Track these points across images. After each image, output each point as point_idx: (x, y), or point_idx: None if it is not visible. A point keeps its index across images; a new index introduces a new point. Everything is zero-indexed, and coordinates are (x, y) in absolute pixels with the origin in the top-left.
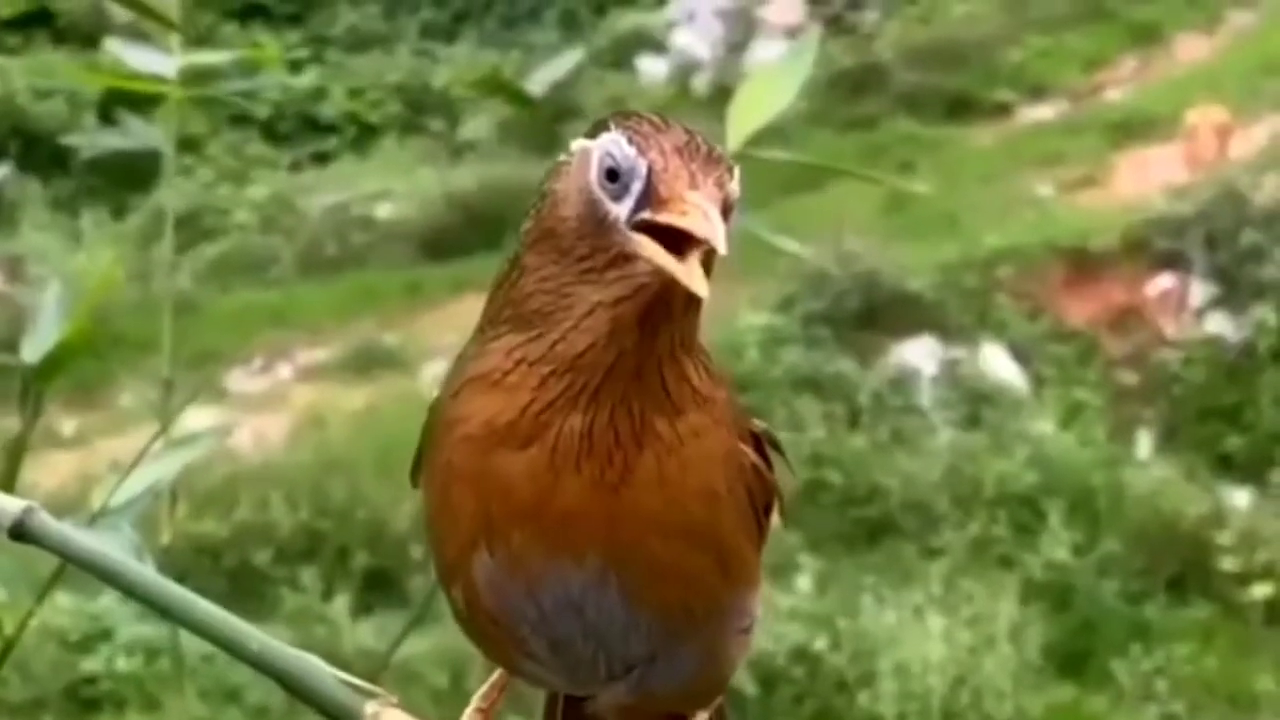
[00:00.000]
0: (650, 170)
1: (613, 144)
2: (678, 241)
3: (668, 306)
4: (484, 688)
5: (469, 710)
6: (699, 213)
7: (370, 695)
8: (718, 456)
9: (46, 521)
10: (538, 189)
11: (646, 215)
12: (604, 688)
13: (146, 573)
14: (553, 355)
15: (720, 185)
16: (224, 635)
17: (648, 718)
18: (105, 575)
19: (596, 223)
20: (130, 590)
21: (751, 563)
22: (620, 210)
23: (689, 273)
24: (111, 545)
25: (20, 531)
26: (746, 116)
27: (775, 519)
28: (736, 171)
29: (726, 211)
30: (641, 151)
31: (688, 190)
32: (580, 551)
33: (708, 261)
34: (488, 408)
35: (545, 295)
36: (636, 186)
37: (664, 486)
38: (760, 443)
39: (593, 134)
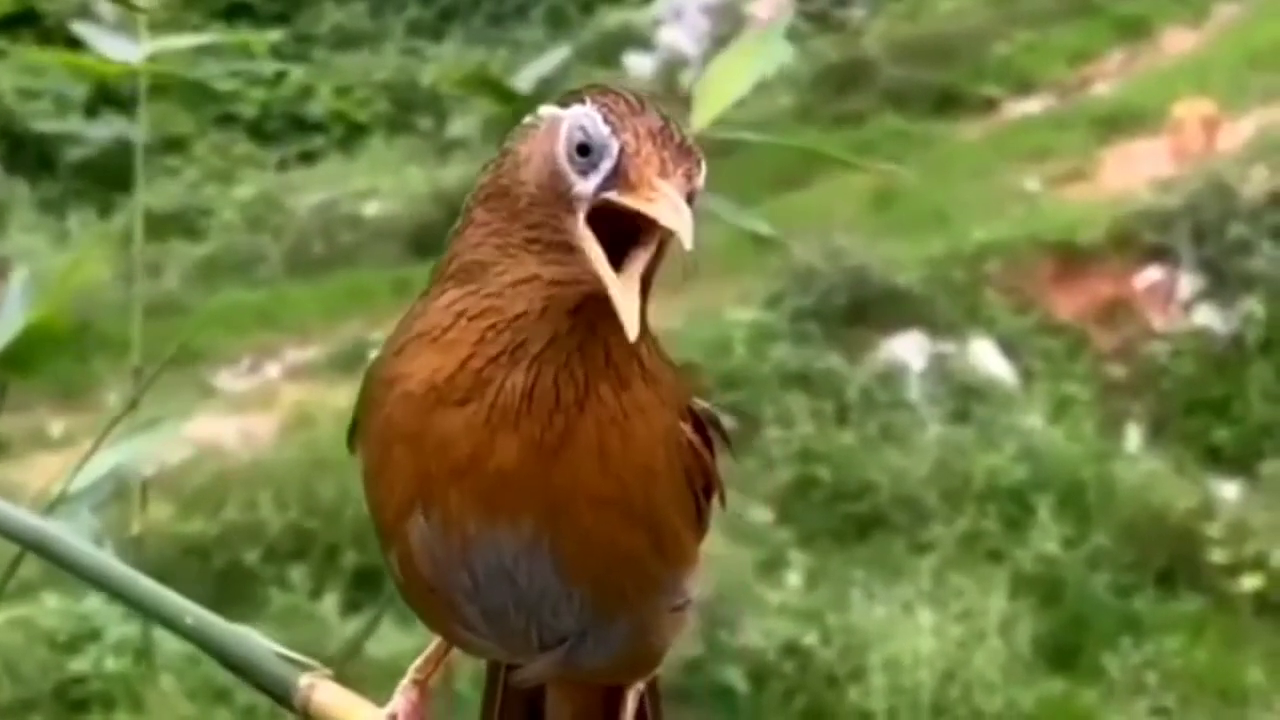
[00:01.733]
0: (622, 151)
1: (586, 118)
2: (634, 229)
3: (600, 308)
4: (420, 658)
5: (405, 680)
6: (668, 203)
7: (307, 669)
8: (659, 434)
9: None
10: (499, 146)
11: (613, 196)
12: (535, 658)
13: (86, 548)
14: (492, 310)
15: (689, 177)
16: (159, 609)
17: (586, 688)
18: (48, 554)
19: (557, 195)
20: (67, 565)
21: (687, 543)
22: (586, 187)
23: (624, 292)
24: (60, 526)
25: None
26: (715, 95)
27: (716, 503)
28: (703, 165)
29: (690, 203)
30: (615, 131)
31: (658, 177)
32: (514, 514)
33: (649, 274)
34: (428, 364)
35: (489, 249)
36: (606, 165)
37: (603, 457)
38: (701, 423)
39: (565, 104)
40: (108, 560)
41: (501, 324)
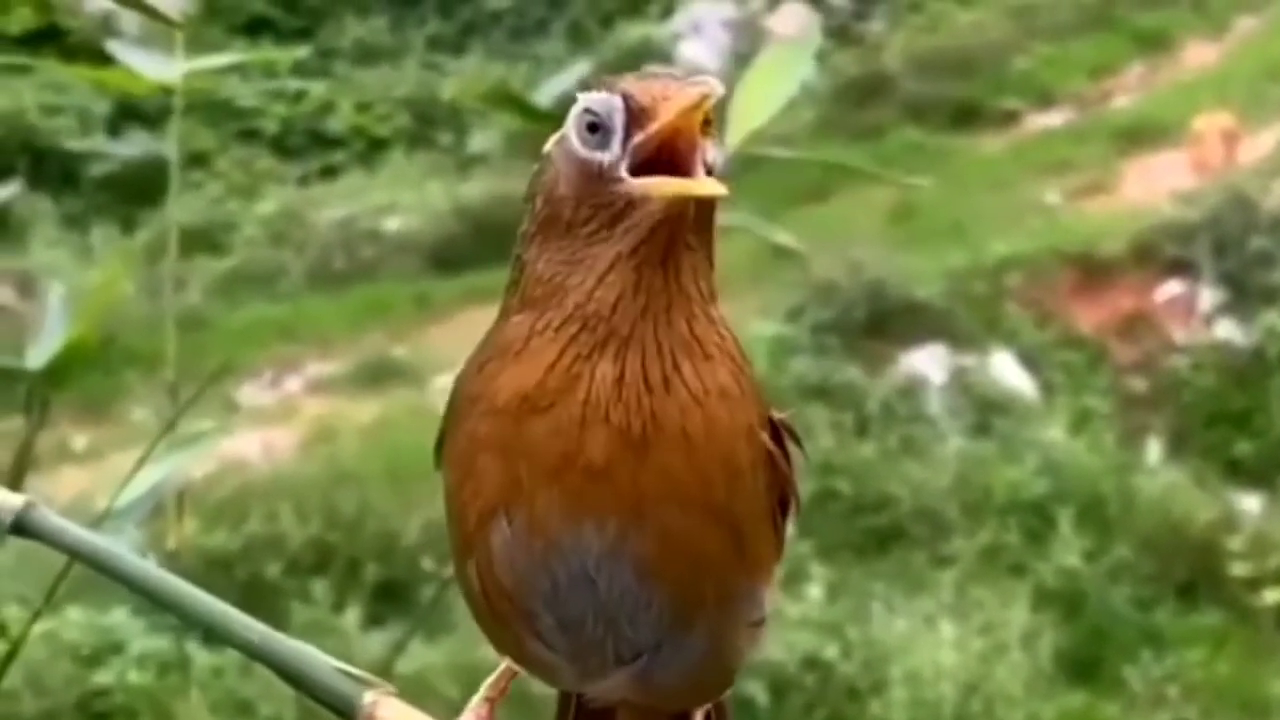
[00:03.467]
0: (625, 99)
1: (583, 102)
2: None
3: (684, 232)
4: (491, 677)
5: (476, 699)
6: (682, 98)
7: (369, 685)
8: (740, 426)
9: (46, 516)
10: (526, 195)
11: (637, 139)
12: (608, 676)
13: (144, 565)
14: (578, 315)
15: (701, 93)
16: (223, 627)
17: (654, 714)
18: (104, 568)
19: (592, 181)
20: (129, 582)
21: (767, 551)
22: (610, 155)
23: (697, 183)
24: (112, 540)
25: (20, 526)
26: (747, 112)
27: (791, 526)
28: (718, 91)
29: (708, 126)
30: (612, 90)
31: (664, 96)
32: (600, 513)
33: (708, 220)
34: (515, 376)
35: (556, 270)
36: (618, 121)
37: (688, 444)
38: (780, 434)
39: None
40: (168, 577)
41: (592, 322)
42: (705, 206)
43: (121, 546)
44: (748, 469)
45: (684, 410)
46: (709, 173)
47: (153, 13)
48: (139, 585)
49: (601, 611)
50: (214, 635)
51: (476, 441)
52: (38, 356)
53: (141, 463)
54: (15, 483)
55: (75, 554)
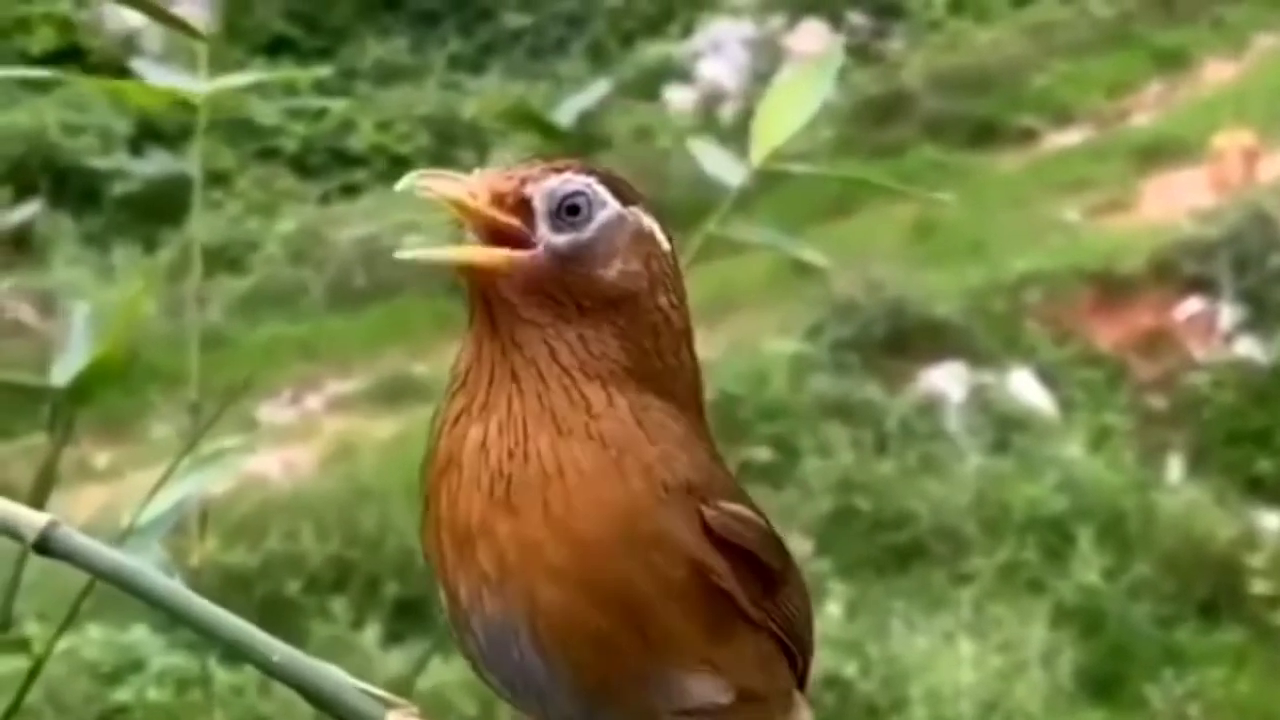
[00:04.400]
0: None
1: None
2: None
3: (500, 302)
4: None
5: None
6: (445, 189)
7: (391, 706)
8: (613, 501)
9: (71, 535)
10: None
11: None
12: None
13: (170, 584)
14: (459, 377)
15: (514, 176)
16: (247, 646)
17: None
18: (130, 588)
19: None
20: (156, 602)
21: (684, 639)
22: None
23: (463, 251)
24: (137, 559)
25: (45, 546)
26: (771, 130)
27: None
28: (567, 175)
29: (523, 205)
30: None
31: (477, 181)
32: (488, 579)
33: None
34: (437, 437)
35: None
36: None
37: (548, 515)
38: (739, 524)
39: None
40: (191, 596)
41: (467, 384)
42: (539, 282)
43: (146, 565)
44: (639, 548)
45: (544, 481)
46: (522, 206)
47: (178, 24)
48: (164, 605)
49: (524, 678)
50: (238, 655)
51: (421, 484)
52: (62, 375)
53: (164, 480)
54: (38, 501)
55: (100, 574)
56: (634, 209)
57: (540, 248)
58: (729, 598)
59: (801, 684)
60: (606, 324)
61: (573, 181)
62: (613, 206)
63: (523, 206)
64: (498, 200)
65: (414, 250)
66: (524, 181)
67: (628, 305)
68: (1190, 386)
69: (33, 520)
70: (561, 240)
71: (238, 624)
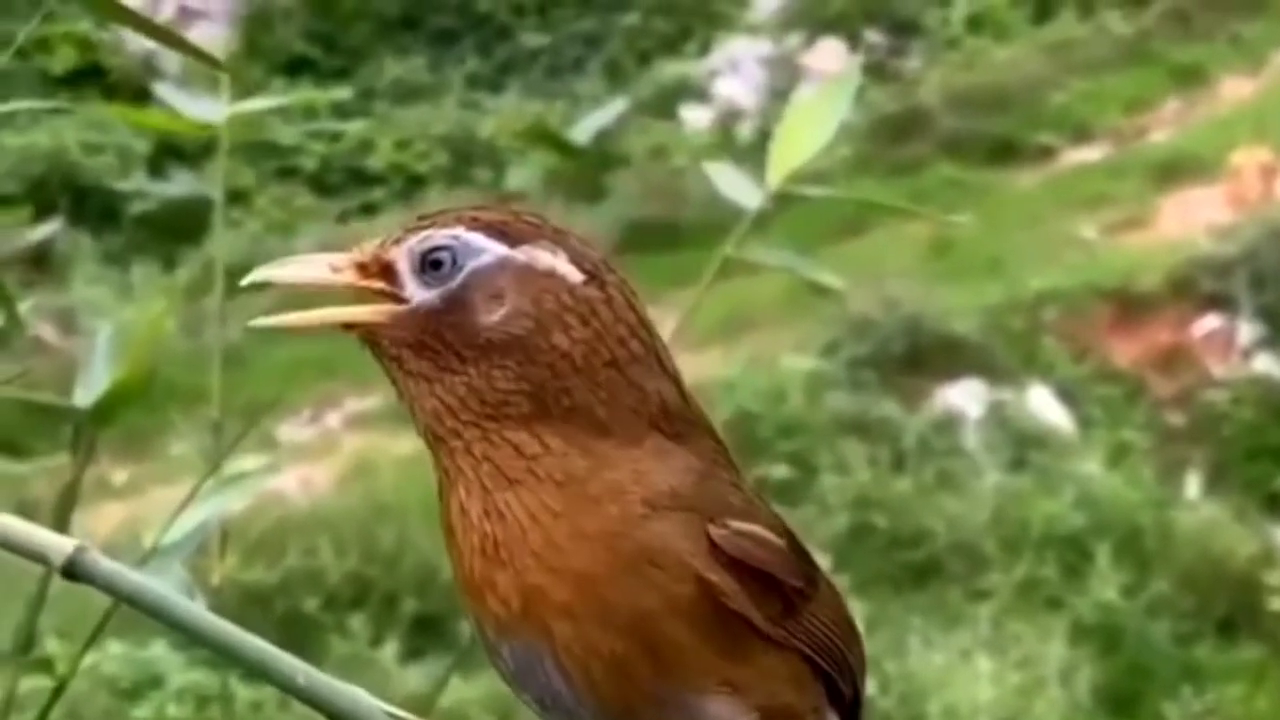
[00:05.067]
0: None
1: None
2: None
3: (379, 351)
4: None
5: None
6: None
7: None
8: (600, 526)
9: (98, 560)
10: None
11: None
12: None
13: (197, 610)
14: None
15: (379, 242)
16: (272, 669)
17: None
18: (157, 613)
19: None
20: (181, 627)
21: (698, 658)
22: None
23: (326, 313)
24: (163, 584)
25: (72, 570)
26: (789, 151)
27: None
28: (428, 231)
29: (387, 269)
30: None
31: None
32: (506, 622)
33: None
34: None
35: None
36: None
37: (539, 559)
38: (731, 549)
39: None
40: (217, 620)
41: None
42: (413, 334)
43: (173, 591)
44: (635, 567)
45: (523, 531)
46: (386, 271)
47: (199, 54)
48: (192, 631)
49: (554, 698)
50: (265, 678)
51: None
52: (85, 396)
53: (189, 501)
54: (61, 522)
55: (128, 599)
56: (525, 248)
57: (411, 303)
58: (743, 618)
59: (855, 707)
60: (495, 369)
61: (433, 237)
62: (492, 252)
63: (387, 270)
64: (361, 270)
65: (271, 319)
66: (385, 246)
67: (514, 349)
68: (1208, 403)
69: (60, 545)
70: (430, 294)
71: (263, 647)
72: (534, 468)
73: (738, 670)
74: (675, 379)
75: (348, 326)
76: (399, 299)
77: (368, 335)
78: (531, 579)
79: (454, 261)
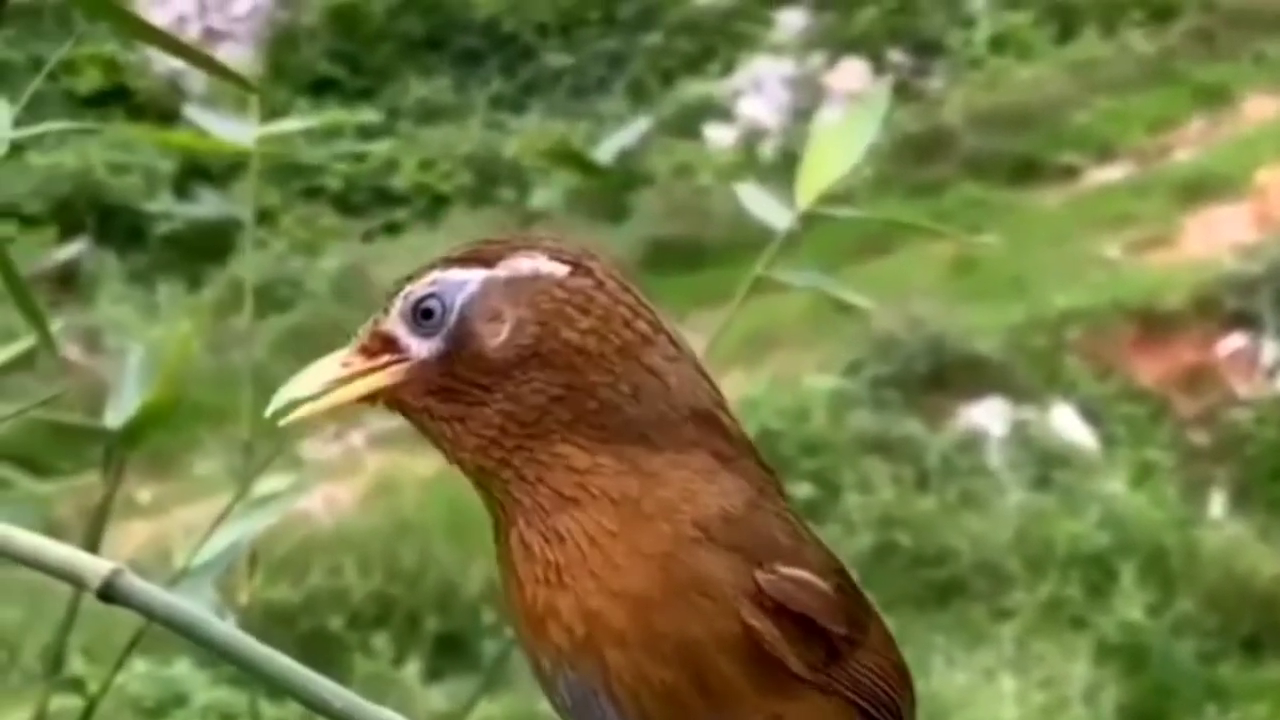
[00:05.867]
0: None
1: None
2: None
3: (404, 410)
4: None
5: None
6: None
7: None
8: (654, 544)
9: (134, 583)
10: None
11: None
12: None
13: (233, 632)
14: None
15: (372, 321)
16: (310, 694)
17: None
18: (193, 635)
19: None
20: (220, 651)
21: (744, 693)
22: None
23: (342, 392)
24: (197, 606)
25: (108, 592)
26: (817, 173)
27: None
28: (407, 289)
29: (388, 341)
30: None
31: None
32: (565, 653)
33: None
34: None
35: None
36: None
37: (597, 582)
38: (776, 594)
39: None
40: (254, 644)
41: (483, 498)
42: (430, 382)
43: (208, 614)
44: (685, 590)
45: (583, 554)
46: (381, 348)
47: (229, 76)
48: (227, 652)
49: None
50: (301, 700)
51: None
52: (116, 417)
53: (221, 521)
54: (92, 543)
55: (164, 621)
56: (503, 264)
57: (419, 357)
58: (831, 661)
59: None
60: (520, 386)
61: (414, 292)
62: (472, 280)
63: (389, 342)
64: (367, 353)
65: (299, 410)
66: (378, 322)
67: (530, 358)
68: (1233, 422)
69: (96, 567)
70: (434, 342)
71: (298, 670)
72: (587, 484)
73: (787, 705)
74: (701, 371)
75: (371, 399)
76: (401, 359)
77: (392, 400)
78: (592, 603)
79: (443, 304)
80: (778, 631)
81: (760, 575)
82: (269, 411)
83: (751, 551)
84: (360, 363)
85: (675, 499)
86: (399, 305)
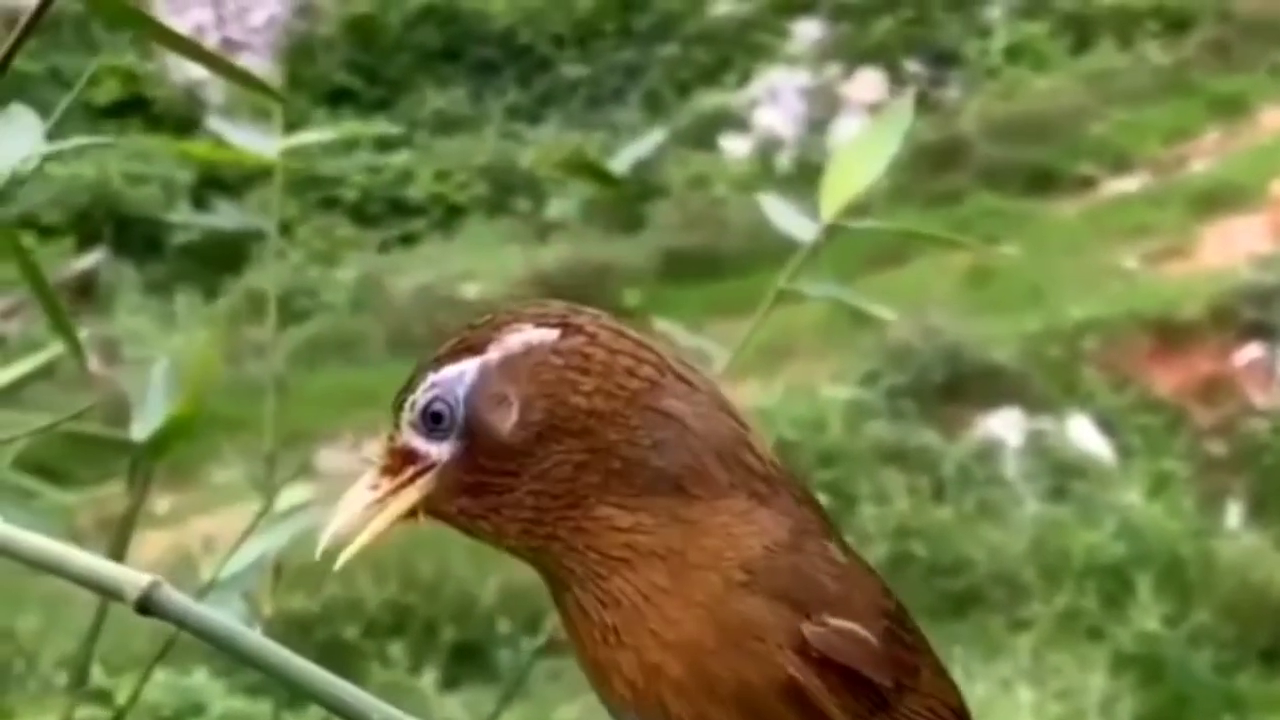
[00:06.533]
0: None
1: None
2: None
3: (441, 518)
4: None
5: None
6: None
7: None
8: (704, 593)
9: (172, 595)
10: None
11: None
12: None
13: (269, 644)
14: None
15: (386, 439)
16: (346, 705)
17: None
18: (230, 649)
19: None
20: (256, 662)
21: None
22: None
23: (376, 524)
24: (233, 618)
25: (146, 605)
26: (841, 185)
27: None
28: (410, 399)
29: (407, 454)
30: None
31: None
32: (629, 702)
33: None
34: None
35: None
36: None
37: (658, 640)
38: (825, 652)
39: None
40: (291, 655)
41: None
42: (460, 486)
43: (242, 625)
44: (737, 635)
45: (639, 613)
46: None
47: (254, 84)
48: (263, 664)
49: None
50: (337, 712)
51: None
52: (142, 429)
53: (249, 533)
54: (118, 555)
55: (201, 634)
56: (492, 346)
57: (440, 463)
58: (879, 711)
59: None
60: (545, 463)
61: (417, 401)
62: (468, 370)
63: (409, 455)
64: (391, 472)
65: (339, 555)
66: (392, 438)
67: (548, 434)
68: (1249, 433)
69: (134, 580)
70: (449, 445)
71: (334, 681)
72: (633, 543)
73: None
74: (720, 403)
75: (412, 514)
76: (433, 467)
77: (428, 510)
78: (651, 657)
79: (448, 404)
80: (821, 684)
81: (807, 627)
82: (318, 555)
83: (798, 600)
84: (388, 483)
85: (720, 546)
86: (407, 416)
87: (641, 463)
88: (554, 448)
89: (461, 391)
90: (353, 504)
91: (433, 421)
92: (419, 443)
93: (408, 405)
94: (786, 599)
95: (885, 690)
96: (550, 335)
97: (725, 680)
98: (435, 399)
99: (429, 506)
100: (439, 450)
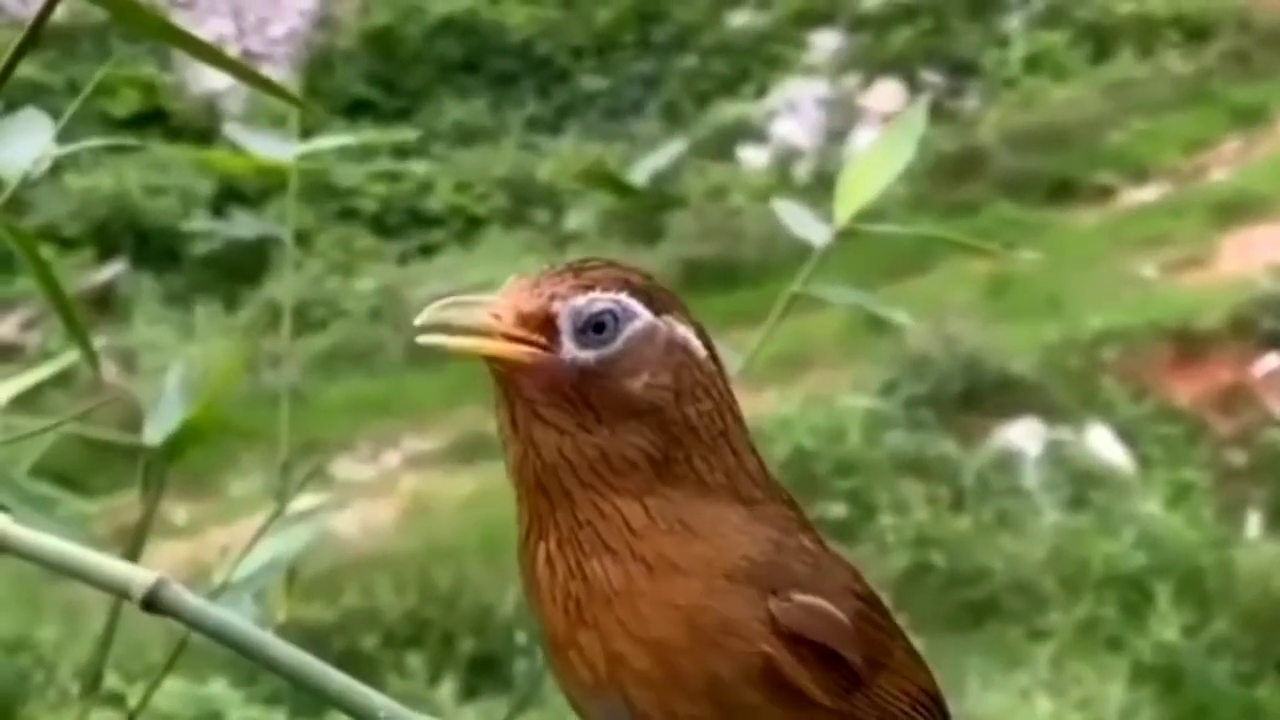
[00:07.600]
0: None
1: None
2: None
3: (514, 389)
4: None
5: None
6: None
7: None
8: (685, 602)
9: (180, 593)
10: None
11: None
12: None
13: (277, 642)
14: (513, 479)
15: (542, 292)
16: (355, 703)
17: None
18: (237, 645)
19: None
20: (266, 661)
21: (772, 718)
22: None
23: (486, 343)
24: (243, 617)
25: (152, 602)
26: (855, 190)
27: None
28: (595, 293)
29: (549, 323)
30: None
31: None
32: (589, 685)
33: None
34: (519, 550)
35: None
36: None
37: (623, 628)
38: (797, 634)
39: None
40: (300, 654)
41: (517, 487)
42: (560, 384)
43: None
44: (714, 639)
45: (608, 601)
46: (546, 323)
47: (277, 91)
48: (270, 662)
49: None
50: (346, 711)
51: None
52: (156, 433)
53: (259, 536)
54: (133, 559)
55: (209, 632)
56: (667, 318)
57: (566, 358)
58: (853, 688)
59: None
60: (629, 434)
61: (599, 300)
62: (644, 318)
63: (548, 324)
64: (523, 321)
65: (436, 337)
66: (551, 299)
67: (651, 417)
68: (1269, 442)
69: (141, 578)
70: (587, 355)
71: (343, 679)
72: (633, 545)
73: None
74: (737, 413)
75: (499, 363)
76: (549, 349)
77: (509, 372)
78: (615, 645)
79: (615, 326)
80: (795, 660)
81: (774, 604)
82: (416, 321)
83: (769, 583)
84: (509, 324)
85: (711, 555)
86: (580, 303)
87: (698, 481)
88: (645, 430)
89: (630, 331)
90: (470, 313)
91: (593, 329)
92: (564, 327)
93: (588, 295)
94: (757, 583)
95: (858, 667)
96: (702, 351)
97: (695, 676)
98: (609, 315)
99: (515, 370)
100: (571, 348)
